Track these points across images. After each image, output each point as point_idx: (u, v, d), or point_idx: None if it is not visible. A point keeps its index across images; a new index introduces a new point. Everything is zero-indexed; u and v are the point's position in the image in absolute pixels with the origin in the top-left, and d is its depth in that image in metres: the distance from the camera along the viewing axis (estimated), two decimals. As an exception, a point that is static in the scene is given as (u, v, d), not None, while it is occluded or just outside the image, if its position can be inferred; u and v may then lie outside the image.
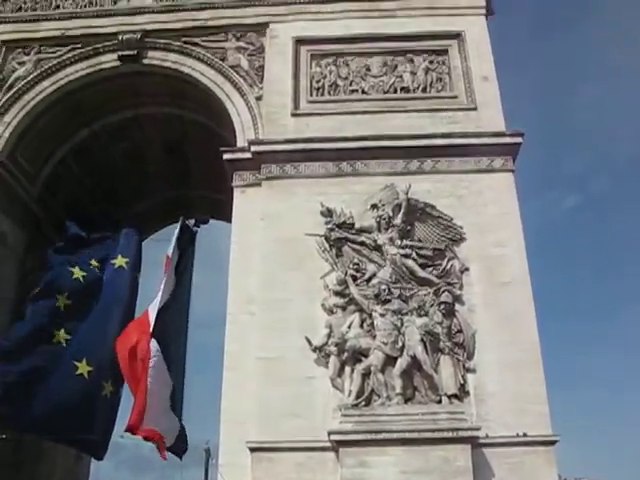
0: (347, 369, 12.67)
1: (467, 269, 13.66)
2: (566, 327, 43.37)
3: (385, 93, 15.68)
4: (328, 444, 12.07)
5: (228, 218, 15.22)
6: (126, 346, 13.08)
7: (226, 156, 15.20)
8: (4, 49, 17.48)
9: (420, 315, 13.01)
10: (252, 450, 12.21)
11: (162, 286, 13.55)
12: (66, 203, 19.62)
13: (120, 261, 14.90)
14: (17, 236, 17.03)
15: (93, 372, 13.82)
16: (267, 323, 13.26)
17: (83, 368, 13.77)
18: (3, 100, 16.83)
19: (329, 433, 12.04)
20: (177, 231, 14.69)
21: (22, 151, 17.21)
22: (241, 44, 16.67)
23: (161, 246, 14.86)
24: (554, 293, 41.85)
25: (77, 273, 14.57)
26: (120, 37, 16.95)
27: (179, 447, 13.57)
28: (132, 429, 12.27)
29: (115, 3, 17.64)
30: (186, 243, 14.75)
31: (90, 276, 14.76)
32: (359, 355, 12.72)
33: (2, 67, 17.30)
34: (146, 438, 12.47)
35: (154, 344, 12.77)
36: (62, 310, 14.31)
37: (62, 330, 14.17)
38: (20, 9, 17.91)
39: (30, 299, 14.49)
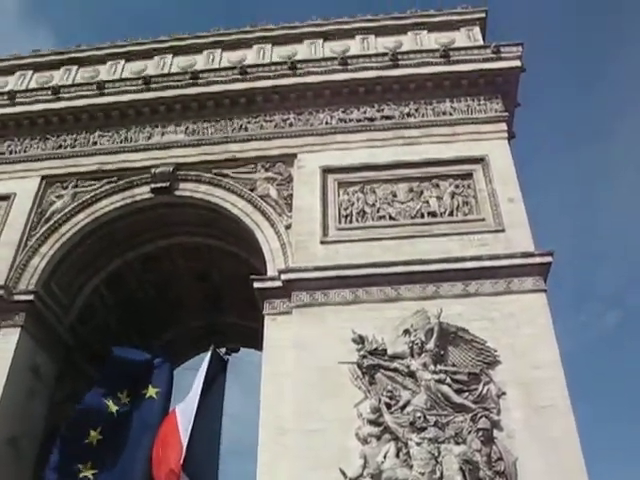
0: (385, 503, 12.04)
1: (504, 393, 13.13)
2: (610, 444, 41.08)
3: (412, 218, 15.80)
4: None
5: (260, 346, 15.11)
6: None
7: (256, 285, 15.31)
8: (44, 183, 18.23)
9: (458, 443, 12.41)
10: None
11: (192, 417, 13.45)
12: (97, 332, 19.78)
13: (151, 391, 14.87)
14: (49, 368, 17.00)
15: (121, 505, 13.52)
16: (300, 454, 12.77)
17: (110, 501, 13.49)
18: (40, 232, 17.34)
19: None
20: (207, 360, 14.70)
21: (57, 281, 17.51)
22: (270, 174, 17.16)
23: (192, 375, 14.87)
24: (598, 416, 39.89)
25: (111, 407, 14.54)
26: (153, 170, 17.59)
27: None
28: None
29: (149, 138, 18.41)
30: (217, 371, 14.69)
31: (121, 409, 14.70)
32: (397, 487, 12.14)
33: (41, 201, 17.96)
34: None
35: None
36: (94, 445, 14.18)
37: (89, 464, 14.02)
38: (60, 146, 18.84)
39: (60, 434, 14.39)
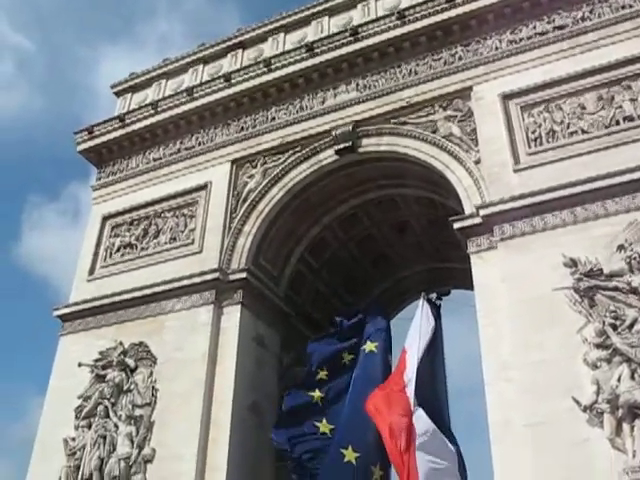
0: (625, 427, 11.44)
1: None
2: None
3: (607, 127, 14.65)
4: (620, 514, 10.86)
5: (469, 286, 15.03)
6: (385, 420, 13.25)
7: (456, 225, 15.13)
8: (235, 167, 19.19)
9: (699, 358, 11.56)
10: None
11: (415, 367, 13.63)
12: (310, 298, 20.76)
13: (370, 346, 15.27)
14: (272, 337, 18.04)
15: (360, 458, 14.03)
16: (528, 387, 12.55)
17: (350, 455, 14.03)
18: (240, 213, 18.33)
19: (620, 501, 10.86)
20: (420, 307, 14.83)
21: (264, 255, 18.49)
22: (449, 113, 16.75)
23: (407, 325, 15.03)
24: None
25: (323, 372, 15.17)
26: (334, 133, 17.85)
27: None
28: None
29: (323, 102, 18.68)
30: (433, 317, 14.76)
31: (341, 367, 15.27)
32: (636, 410, 11.46)
33: (235, 183, 18.94)
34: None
35: (420, 424, 12.75)
36: (319, 404, 14.87)
37: (324, 421, 14.70)
38: (242, 129, 19.68)
39: (287, 397, 15.25)
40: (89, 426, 16.51)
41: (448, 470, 12.65)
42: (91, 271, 19.70)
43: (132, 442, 15.75)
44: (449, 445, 12.88)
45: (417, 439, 12.55)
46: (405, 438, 12.62)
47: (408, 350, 14.16)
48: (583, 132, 14.91)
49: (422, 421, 12.81)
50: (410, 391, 13.27)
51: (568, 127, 15.11)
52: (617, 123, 14.71)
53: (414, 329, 14.53)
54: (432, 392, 14.02)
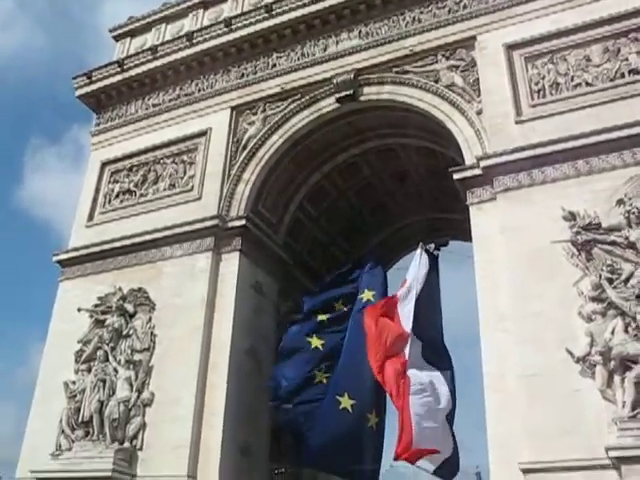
0: (616, 379, 11.64)
1: None
2: None
3: (612, 80, 14.40)
4: (607, 461, 11.04)
5: (467, 237, 15.07)
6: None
7: (456, 176, 15.08)
8: (235, 113, 19.05)
9: (693, 312, 11.60)
10: (524, 472, 11.64)
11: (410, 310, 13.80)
12: (308, 246, 20.88)
13: (367, 295, 15.35)
14: (270, 285, 18.17)
15: (356, 405, 14.28)
16: (523, 338, 12.70)
17: (346, 402, 14.28)
18: (240, 160, 18.28)
19: (607, 449, 11.02)
20: (417, 257, 14.90)
21: (263, 203, 18.53)
22: (452, 62, 16.51)
23: (404, 275, 15.13)
24: None
25: (322, 317, 15.28)
26: (335, 80, 17.65)
27: (449, 470, 13.56)
28: (399, 456, 12.57)
29: (325, 50, 18.42)
30: (429, 267, 14.85)
31: (336, 316, 15.38)
32: (628, 362, 11.62)
33: (235, 130, 18.83)
34: (417, 459, 12.71)
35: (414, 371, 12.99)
36: (320, 350, 15.02)
37: (321, 370, 14.88)
38: (242, 75, 19.49)
39: (283, 347, 15.40)
40: (89, 370, 16.78)
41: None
42: (90, 217, 19.75)
43: (131, 386, 16.02)
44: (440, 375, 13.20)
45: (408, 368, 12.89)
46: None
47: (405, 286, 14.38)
48: (587, 84, 14.71)
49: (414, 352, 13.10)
50: (405, 320, 13.46)
51: (572, 79, 14.90)
52: (622, 76, 14.47)
53: (412, 274, 14.68)
54: (427, 324, 14.25)
